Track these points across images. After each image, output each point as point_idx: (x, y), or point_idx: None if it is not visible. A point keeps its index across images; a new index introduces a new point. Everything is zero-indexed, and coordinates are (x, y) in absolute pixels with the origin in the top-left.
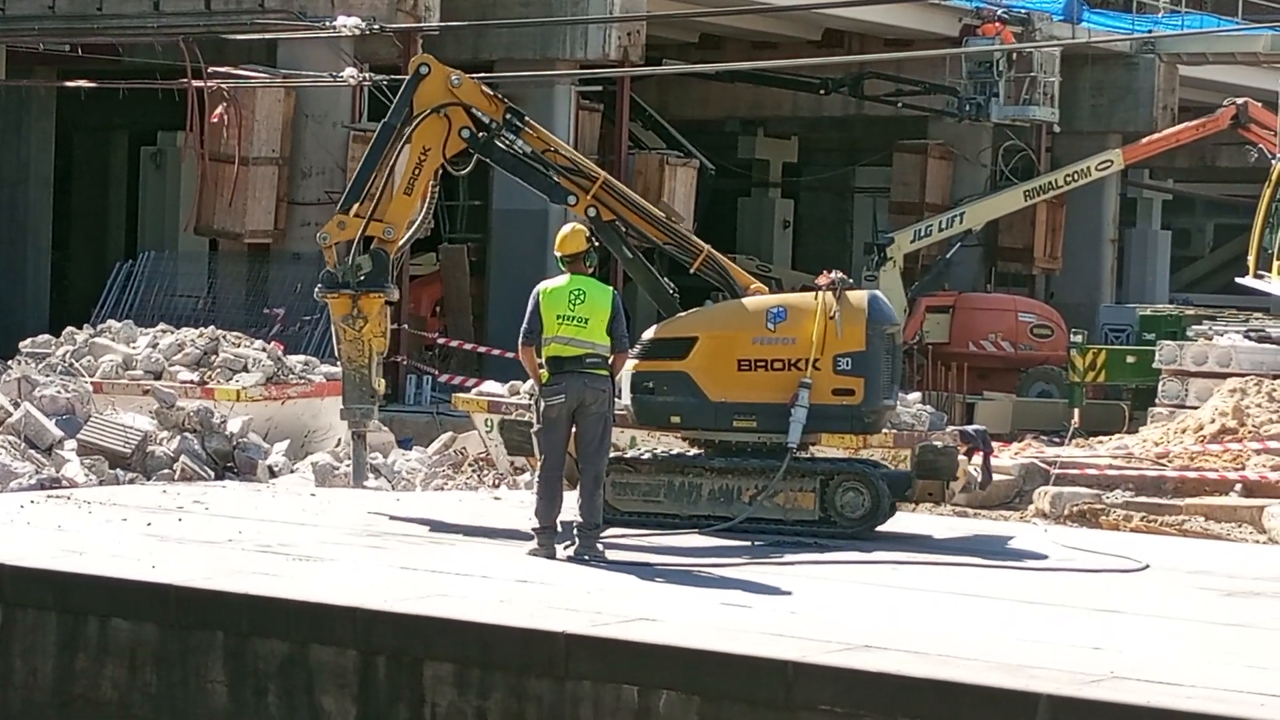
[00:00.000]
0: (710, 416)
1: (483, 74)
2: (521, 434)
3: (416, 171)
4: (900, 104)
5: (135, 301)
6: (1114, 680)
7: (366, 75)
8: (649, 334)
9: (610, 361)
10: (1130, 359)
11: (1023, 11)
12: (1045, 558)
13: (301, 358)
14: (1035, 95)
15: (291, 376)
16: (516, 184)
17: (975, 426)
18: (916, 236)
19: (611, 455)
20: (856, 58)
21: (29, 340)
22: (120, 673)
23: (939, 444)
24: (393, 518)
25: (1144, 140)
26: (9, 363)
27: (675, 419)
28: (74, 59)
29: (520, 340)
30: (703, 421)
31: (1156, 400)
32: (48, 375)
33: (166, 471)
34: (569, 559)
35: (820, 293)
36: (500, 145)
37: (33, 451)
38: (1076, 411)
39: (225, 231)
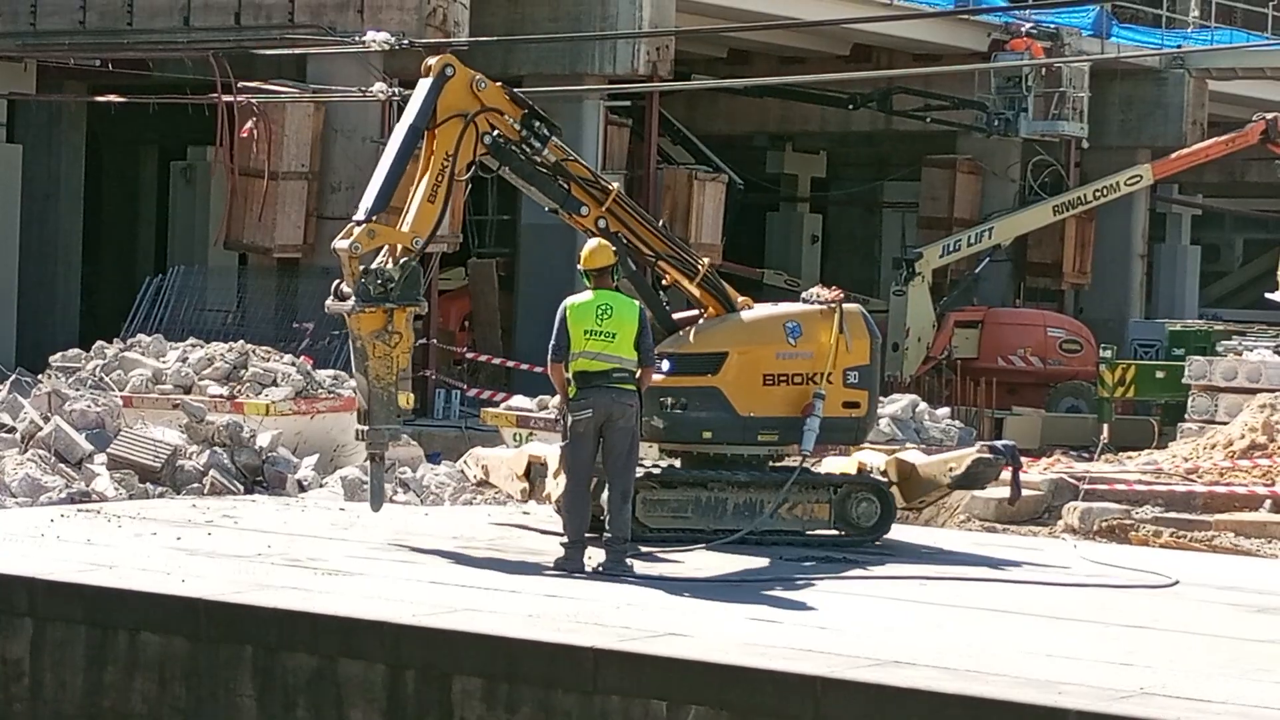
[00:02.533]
0: (739, 431)
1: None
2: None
3: (440, 178)
4: (929, 119)
5: (165, 316)
6: (1143, 696)
7: (395, 90)
8: (672, 349)
9: (637, 376)
10: (1160, 374)
11: (1052, 27)
12: (1074, 573)
13: (331, 372)
14: (1064, 110)
15: (321, 391)
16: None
17: (1004, 442)
18: (945, 251)
19: (641, 473)
20: (885, 73)
21: (59, 355)
22: (150, 686)
23: (987, 455)
24: (421, 532)
25: (1173, 155)
26: (39, 377)
27: (707, 434)
28: (104, 74)
29: (549, 357)
30: (732, 436)
31: (1186, 415)
32: (78, 389)
33: (196, 486)
34: (597, 573)
35: (836, 307)
36: (517, 152)
37: (63, 465)
38: (1106, 427)
39: (255, 246)
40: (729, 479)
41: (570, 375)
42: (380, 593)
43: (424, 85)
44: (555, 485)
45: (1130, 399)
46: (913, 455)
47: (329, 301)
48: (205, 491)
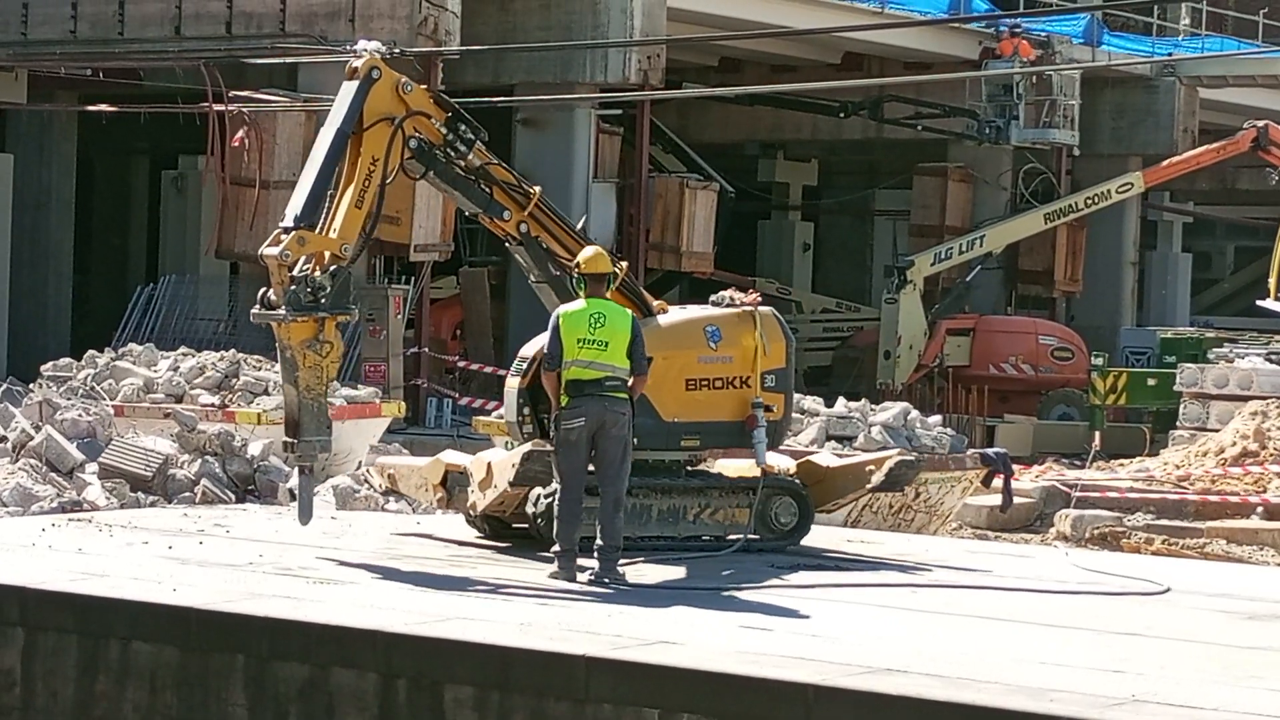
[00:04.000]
0: (663, 437)
1: (503, 97)
2: (545, 465)
3: (366, 183)
4: (920, 127)
5: (156, 325)
6: (1135, 704)
7: None
8: None
9: (629, 384)
10: (1151, 382)
11: (1042, 34)
12: (1066, 581)
13: None
14: (1055, 118)
15: None
16: None
17: (996, 449)
18: (937, 259)
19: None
20: (876, 81)
21: (50, 364)
22: (141, 696)
23: (910, 458)
24: (412, 540)
25: (1164, 163)
26: (30, 386)
27: (632, 440)
28: (95, 83)
29: (542, 366)
30: (656, 442)
31: (1177, 423)
32: (69, 399)
33: (187, 494)
34: (590, 582)
35: (755, 310)
36: (443, 156)
37: (54, 475)
38: (1097, 434)
39: (246, 255)
40: (653, 485)
41: (563, 383)
42: (372, 601)
43: (349, 89)
44: (481, 496)
45: (1122, 406)
46: (824, 458)
47: (255, 310)
48: (197, 500)
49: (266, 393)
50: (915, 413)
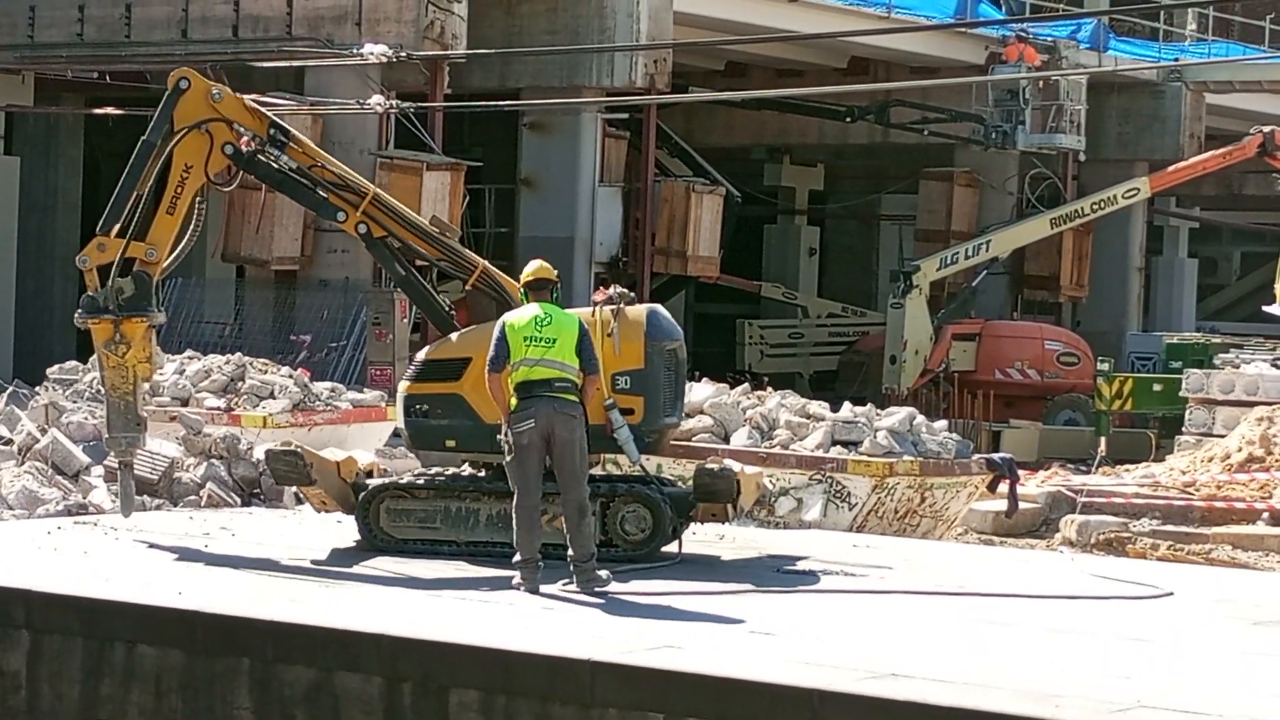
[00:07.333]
0: (486, 439)
1: (510, 101)
2: (288, 464)
3: (179, 190)
4: (926, 131)
5: (162, 328)
6: (1141, 709)
7: (393, 103)
8: (421, 355)
9: (580, 386)
10: (1157, 387)
11: (1049, 39)
12: (1071, 586)
13: (328, 384)
14: (1062, 123)
15: (318, 403)
16: (544, 211)
17: (1001, 455)
18: (943, 264)
19: (385, 481)
20: (882, 85)
21: (56, 366)
22: (146, 699)
23: (714, 467)
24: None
25: (1170, 168)
26: (36, 389)
27: (450, 442)
28: (102, 86)
29: (487, 369)
30: (478, 445)
31: (1183, 429)
32: (75, 401)
33: (193, 498)
34: (574, 593)
35: (596, 309)
36: (265, 161)
37: (60, 478)
38: (1103, 440)
39: (252, 258)
40: (483, 489)
41: (512, 387)
42: (378, 605)
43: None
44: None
45: (1128, 412)
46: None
47: (77, 314)
48: (202, 504)
49: (272, 396)
50: (921, 418)
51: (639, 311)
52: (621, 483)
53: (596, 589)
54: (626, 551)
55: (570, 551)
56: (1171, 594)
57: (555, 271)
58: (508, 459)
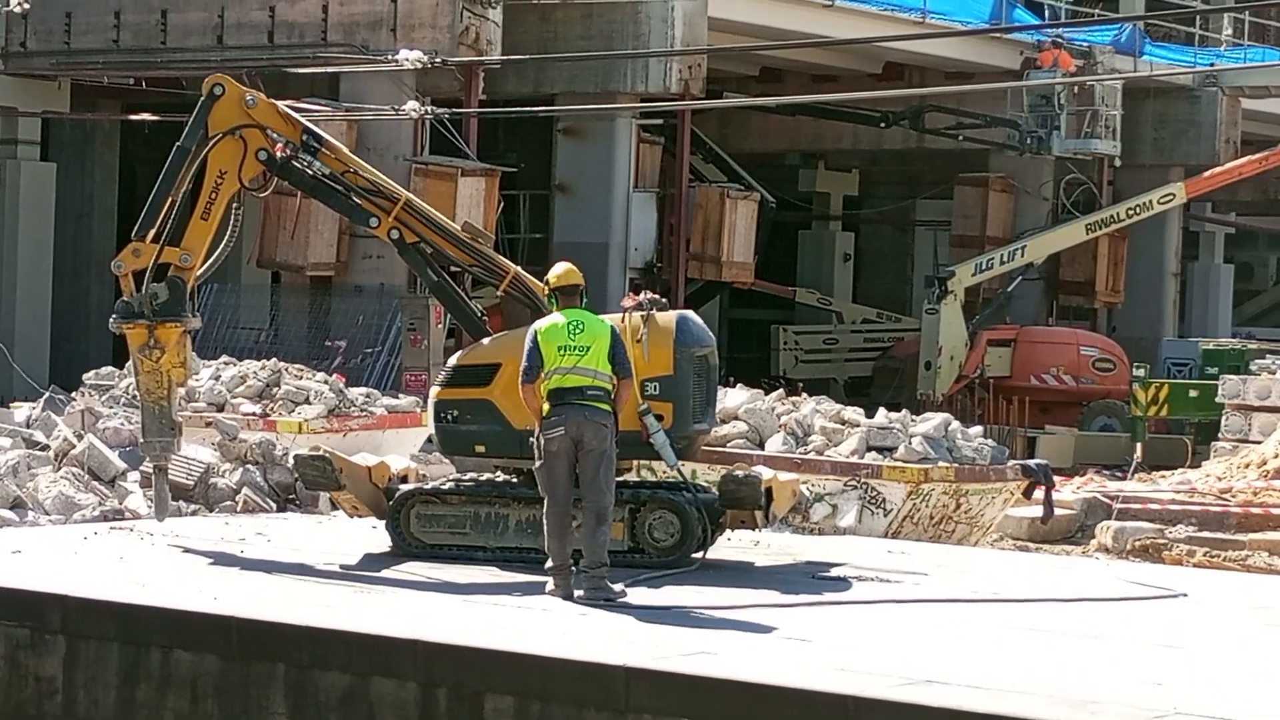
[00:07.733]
0: (516, 445)
1: (544, 107)
2: (316, 469)
3: (213, 195)
4: (961, 137)
5: (198, 334)
6: (1177, 716)
7: (428, 109)
8: (452, 360)
9: (613, 394)
10: (1193, 393)
11: (1084, 45)
12: (1107, 592)
13: (363, 390)
14: (1097, 128)
15: (353, 409)
16: (579, 217)
17: (1037, 460)
18: (977, 270)
19: (414, 486)
20: (917, 91)
21: (92, 372)
22: (182, 704)
23: (740, 473)
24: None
25: (1206, 174)
26: (73, 395)
27: (480, 448)
28: (138, 92)
29: (520, 379)
30: (508, 450)
31: (1219, 435)
32: (111, 407)
33: (229, 503)
34: (580, 601)
35: (625, 315)
36: (298, 167)
37: (96, 483)
38: (1139, 446)
39: (287, 264)
40: (513, 495)
41: (545, 394)
42: (413, 610)
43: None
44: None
45: (1163, 418)
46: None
47: (111, 319)
48: (238, 509)
49: (308, 401)
50: (956, 424)
51: (668, 318)
52: (650, 489)
53: (603, 599)
54: (655, 557)
55: (583, 559)
56: (1199, 599)
57: (582, 275)
58: (537, 465)
